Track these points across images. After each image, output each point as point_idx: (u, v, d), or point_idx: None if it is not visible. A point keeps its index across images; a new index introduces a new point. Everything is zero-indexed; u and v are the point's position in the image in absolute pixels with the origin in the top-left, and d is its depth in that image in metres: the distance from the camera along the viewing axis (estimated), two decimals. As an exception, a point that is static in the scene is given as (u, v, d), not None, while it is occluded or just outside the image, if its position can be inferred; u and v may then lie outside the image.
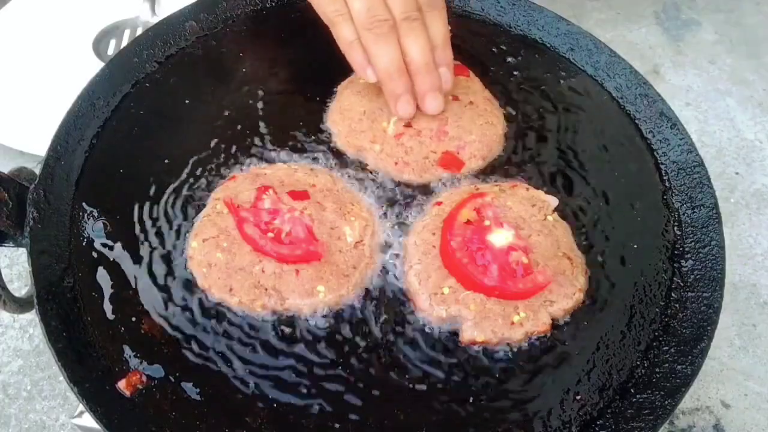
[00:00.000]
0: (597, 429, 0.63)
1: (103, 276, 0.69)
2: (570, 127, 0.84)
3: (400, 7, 0.73)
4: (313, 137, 0.80)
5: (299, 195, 0.73)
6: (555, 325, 0.68)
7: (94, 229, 0.72)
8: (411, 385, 0.64)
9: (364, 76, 0.78)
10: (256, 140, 0.80)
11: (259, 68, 0.88)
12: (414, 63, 0.75)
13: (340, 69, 0.86)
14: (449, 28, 0.78)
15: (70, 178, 0.75)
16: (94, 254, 0.70)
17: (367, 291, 0.69)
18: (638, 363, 0.67)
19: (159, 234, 0.72)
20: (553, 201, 0.75)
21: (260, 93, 0.84)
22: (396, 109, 0.77)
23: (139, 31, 1.28)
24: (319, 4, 0.77)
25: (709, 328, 0.68)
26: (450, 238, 0.69)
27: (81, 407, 0.83)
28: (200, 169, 0.77)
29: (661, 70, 1.47)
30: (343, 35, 0.77)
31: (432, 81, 0.76)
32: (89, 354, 0.64)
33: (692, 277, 0.72)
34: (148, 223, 0.73)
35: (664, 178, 0.80)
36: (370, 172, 0.78)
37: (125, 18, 1.39)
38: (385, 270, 0.70)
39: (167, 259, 0.70)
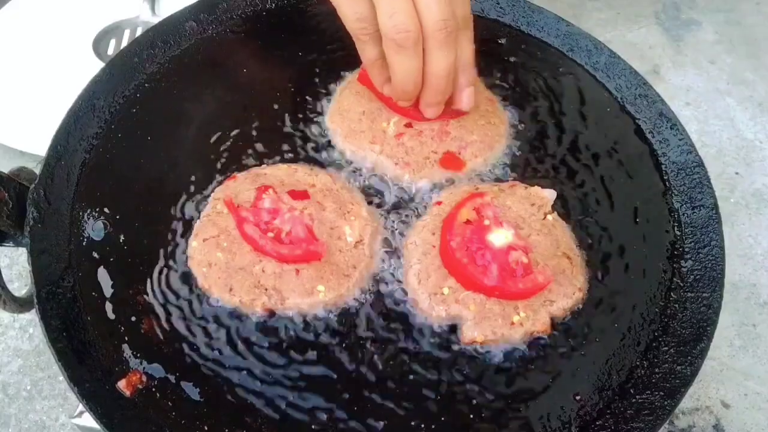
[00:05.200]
0: (596, 429, 0.63)
1: (103, 276, 0.69)
2: (570, 127, 0.84)
3: (438, 15, 0.67)
4: (313, 138, 0.80)
5: (299, 195, 0.73)
6: (555, 324, 0.68)
7: (94, 229, 0.72)
8: (411, 386, 0.64)
9: (382, 91, 0.78)
10: (256, 140, 0.80)
11: (259, 68, 0.88)
12: (435, 78, 0.72)
13: (340, 69, 0.86)
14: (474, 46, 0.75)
15: (70, 178, 0.75)
16: (94, 254, 0.70)
17: (367, 291, 0.69)
18: (638, 363, 0.67)
19: (159, 234, 0.72)
20: (551, 194, 0.75)
21: (260, 93, 0.84)
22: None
23: (139, 31, 1.28)
24: (344, 16, 0.71)
25: (708, 328, 0.68)
26: (450, 238, 0.69)
27: (81, 407, 0.83)
28: (200, 168, 0.77)
29: (661, 70, 1.48)
30: (366, 54, 0.74)
31: (444, 96, 0.75)
32: (89, 354, 0.64)
33: (692, 277, 0.72)
34: (148, 222, 0.73)
35: (664, 178, 0.80)
36: (370, 172, 0.78)
37: (125, 18, 1.39)
38: (385, 270, 0.70)
39: (167, 258, 0.70)
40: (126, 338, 0.65)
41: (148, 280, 0.69)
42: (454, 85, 0.75)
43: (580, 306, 0.69)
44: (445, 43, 0.68)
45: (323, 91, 0.85)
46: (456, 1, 0.69)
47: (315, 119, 0.82)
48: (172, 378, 0.63)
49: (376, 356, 0.65)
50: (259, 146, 0.79)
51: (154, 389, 0.63)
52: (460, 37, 0.71)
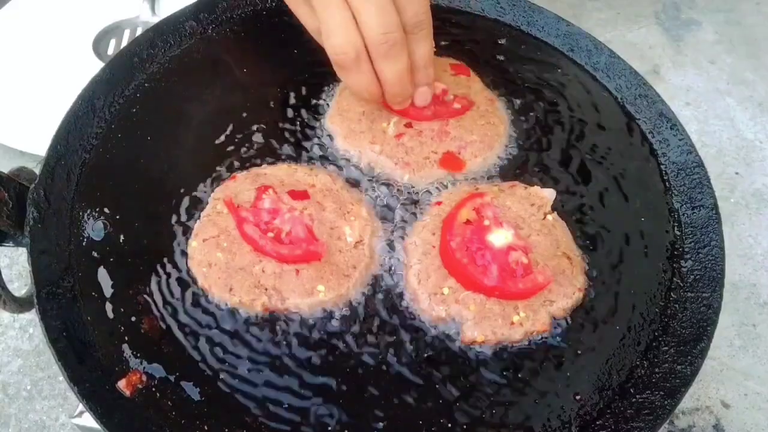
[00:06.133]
0: (596, 429, 0.63)
1: (103, 276, 0.69)
2: (570, 127, 0.84)
3: (378, 28, 0.67)
4: (312, 137, 0.80)
5: (299, 195, 0.73)
6: (555, 324, 0.68)
7: (94, 229, 0.72)
8: (410, 386, 0.64)
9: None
10: (256, 140, 0.80)
11: (258, 68, 0.88)
12: (389, 86, 0.72)
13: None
14: (434, 46, 0.74)
15: (70, 178, 0.75)
16: (94, 254, 0.70)
17: (367, 291, 0.69)
18: (638, 363, 0.67)
19: (159, 234, 0.72)
20: (551, 194, 0.75)
21: (260, 93, 0.84)
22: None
23: (139, 31, 1.28)
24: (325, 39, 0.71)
25: (708, 328, 0.68)
26: (449, 238, 0.69)
27: (81, 407, 0.83)
28: (200, 169, 0.77)
29: (661, 70, 1.48)
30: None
31: (404, 96, 0.75)
32: (89, 354, 0.64)
33: (692, 277, 0.72)
34: (148, 222, 0.73)
35: (664, 178, 0.80)
36: (370, 172, 0.78)
37: (125, 18, 1.39)
38: (384, 270, 0.70)
39: (167, 258, 0.70)
40: (126, 338, 0.65)
41: (148, 280, 0.69)
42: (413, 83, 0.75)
43: (580, 306, 0.69)
44: (389, 55, 0.69)
45: (323, 90, 0.85)
46: (403, 5, 0.68)
47: (315, 119, 0.82)
48: (172, 378, 0.63)
49: (375, 356, 0.65)
50: (258, 146, 0.79)
51: (154, 389, 0.63)
52: (412, 40, 0.71)
